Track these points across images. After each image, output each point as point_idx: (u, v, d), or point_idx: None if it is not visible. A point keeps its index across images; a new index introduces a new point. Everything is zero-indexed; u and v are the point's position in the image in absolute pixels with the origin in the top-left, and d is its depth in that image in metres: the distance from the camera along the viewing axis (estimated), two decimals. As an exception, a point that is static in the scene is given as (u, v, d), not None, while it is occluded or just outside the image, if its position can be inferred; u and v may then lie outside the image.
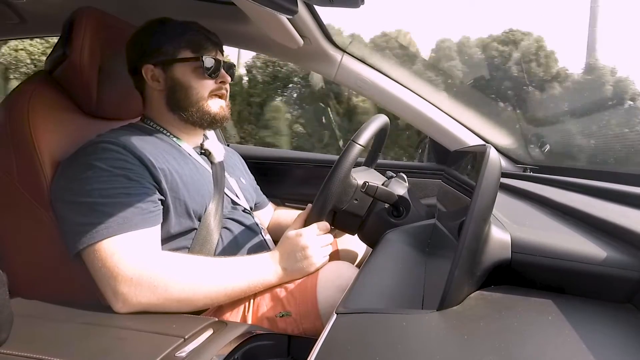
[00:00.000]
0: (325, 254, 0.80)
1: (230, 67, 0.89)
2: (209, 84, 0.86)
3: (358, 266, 0.89)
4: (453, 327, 0.34)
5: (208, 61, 0.84)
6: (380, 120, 0.84)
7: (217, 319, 0.69)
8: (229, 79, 0.88)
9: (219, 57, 0.87)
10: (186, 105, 0.85)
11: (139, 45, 0.86)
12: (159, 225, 0.75)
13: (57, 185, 0.75)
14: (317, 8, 1.08)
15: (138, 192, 0.72)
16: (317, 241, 0.78)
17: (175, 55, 0.84)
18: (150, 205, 0.73)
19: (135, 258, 0.68)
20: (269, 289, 0.77)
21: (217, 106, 0.87)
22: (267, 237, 0.95)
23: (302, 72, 6.65)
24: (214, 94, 0.87)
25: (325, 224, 0.81)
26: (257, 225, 0.94)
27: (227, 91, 0.90)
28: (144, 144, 0.78)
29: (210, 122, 0.87)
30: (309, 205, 0.82)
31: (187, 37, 0.84)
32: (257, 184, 1.14)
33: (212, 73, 0.85)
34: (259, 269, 0.76)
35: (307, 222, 0.81)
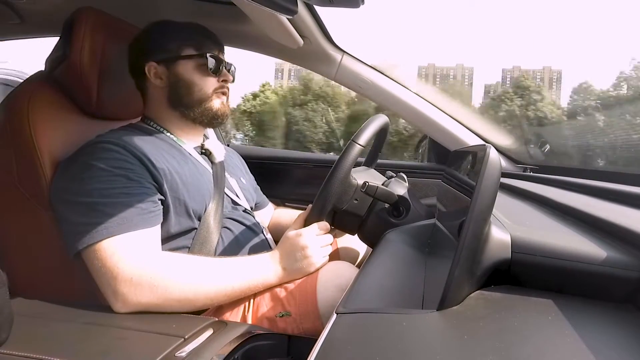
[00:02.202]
0: (325, 254, 0.80)
1: (230, 68, 0.90)
2: (212, 82, 0.87)
3: (358, 266, 0.89)
4: (453, 327, 0.34)
5: (211, 59, 0.85)
6: (380, 120, 0.84)
7: (217, 319, 0.69)
8: (231, 78, 0.89)
9: (221, 56, 0.88)
10: (188, 102, 0.86)
11: (141, 44, 0.87)
12: (159, 225, 0.75)
13: (57, 185, 0.75)
14: (317, 8, 1.08)
15: (138, 192, 0.72)
16: (317, 241, 0.78)
17: (178, 52, 0.85)
18: (150, 205, 0.73)
19: (135, 258, 0.68)
20: (269, 289, 0.77)
21: (218, 103, 0.88)
22: (269, 236, 0.95)
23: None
24: (216, 92, 0.87)
25: (325, 224, 0.81)
26: (258, 224, 0.94)
27: (228, 90, 0.90)
28: (144, 144, 0.78)
29: (212, 118, 0.88)
30: (310, 205, 0.82)
31: (190, 35, 0.86)
32: (257, 184, 1.14)
33: (215, 71, 0.86)
34: (259, 269, 0.76)
35: (307, 222, 0.81)
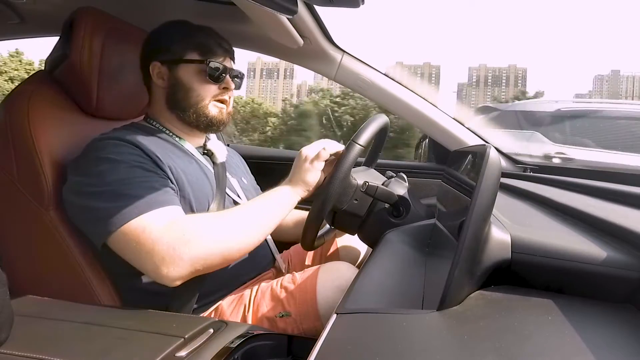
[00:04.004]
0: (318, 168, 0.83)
1: (237, 76, 0.89)
2: (212, 89, 0.86)
3: (358, 266, 0.89)
4: (453, 327, 0.34)
5: (213, 66, 0.84)
6: (381, 120, 0.84)
7: (217, 319, 0.69)
8: (233, 86, 0.88)
9: (227, 63, 0.88)
10: (185, 105, 0.85)
11: (151, 42, 0.88)
12: (181, 206, 0.75)
13: (71, 182, 0.74)
14: (317, 8, 1.08)
15: (156, 180, 0.73)
16: (313, 148, 0.83)
17: (182, 55, 0.85)
18: (170, 190, 0.74)
19: (166, 225, 0.68)
20: (270, 289, 0.77)
21: (215, 110, 0.87)
22: (269, 236, 0.95)
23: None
24: (215, 99, 0.87)
25: (332, 143, 0.85)
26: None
27: (230, 98, 0.89)
28: (149, 143, 0.78)
29: (207, 124, 0.87)
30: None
31: (197, 39, 0.85)
32: (257, 183, 1.14)
33: (216, 79, 0.85)
34: (279, 195, 0.81)
35: (306, 223, 0.80)
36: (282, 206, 0.79)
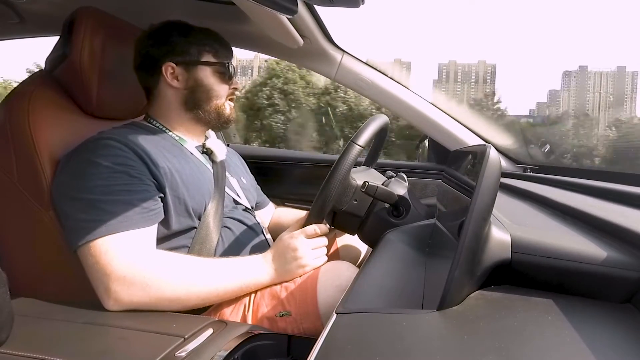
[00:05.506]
0: (316, 256, 0.80)
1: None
2: (226, 88, 0.90)
3: (359, 266, 0.89)
4: (453, 327, 0.34)
5: (229, 67, 0.89)
6: (380, 120, 0.84)
7: (217, 319, 0.69)
8: (240, 85, 0.92)
9: (233, 63, 0.92)
10: (205, 105, 0.89)
11: (158, 42, 0.86)
12: (157, 224, 0.75)
13: (58, 181, 0.75)
14: (317, 8, 1.08)
15: (139, 189, 0.72)
16: (308, 243, 0.78)
17: (199, 57, 0.87)
18: (150, 204, 0.73)
19: (130, 257, 0.69)
20: (269, 288, 0.77)
21: (229, 108, 0.92)
22: (268, 236, 0.95)
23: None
24: (228, 98, 0.92)
25: (322, 226, 0.81)
26: (259, 224, 0.95)
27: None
28: (145, 142, 0.78)
29: (224, 122, 0.92)
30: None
31: (211, 42, 0.89)
32: (257, 183, 1.14)
33: (230, 78, 0.90)
34: (251, 270, 0.77)
35: (306, 224, 0.80)
36: (253, 284, 0.76)
